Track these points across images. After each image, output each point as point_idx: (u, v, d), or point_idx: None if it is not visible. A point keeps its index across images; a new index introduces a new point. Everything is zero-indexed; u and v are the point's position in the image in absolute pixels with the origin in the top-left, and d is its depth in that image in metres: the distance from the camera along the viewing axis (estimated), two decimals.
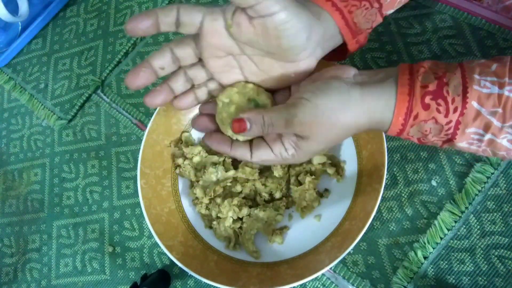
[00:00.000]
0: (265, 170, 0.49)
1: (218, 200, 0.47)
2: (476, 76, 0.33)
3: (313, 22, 0.35)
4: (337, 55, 0.42)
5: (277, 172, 0.47)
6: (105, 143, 0.58)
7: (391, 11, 0.42)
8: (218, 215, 0.47)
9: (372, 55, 0.52)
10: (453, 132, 0.34)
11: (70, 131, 0.61)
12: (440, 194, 0.45)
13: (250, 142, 0.38)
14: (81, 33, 0.66)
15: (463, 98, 0.33)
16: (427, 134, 0.35)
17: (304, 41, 0.35)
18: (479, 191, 0.44)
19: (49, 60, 0.66)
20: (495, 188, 0.44)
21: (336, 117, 0.34)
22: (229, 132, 0.38)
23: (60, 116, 0.62)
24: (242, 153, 0.38)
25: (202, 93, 0.40)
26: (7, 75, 0.67)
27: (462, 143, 0.34)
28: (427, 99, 0.33)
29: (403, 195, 0.46)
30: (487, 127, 0.33)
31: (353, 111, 0.34)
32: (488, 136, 0.33)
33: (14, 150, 0.63)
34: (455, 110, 0.33)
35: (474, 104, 0.33)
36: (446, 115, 0.33)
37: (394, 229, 0.45)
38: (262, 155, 0.37)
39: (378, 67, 0.52)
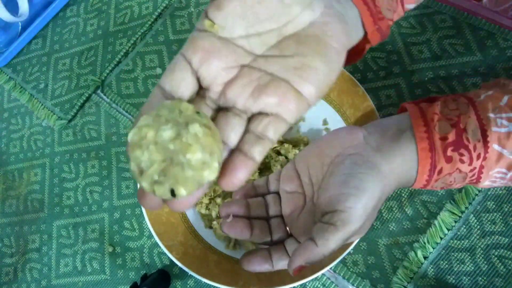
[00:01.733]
0: (265, 170, 0.49)
1: (218, 200, 0.47)
2: (491, 115, 0.32)
3: None
4: (352, 57, 0.35)
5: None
6: (105, 143, 0.58)
7: (412, 5, 0.37)
8: (218, 215, 0.47)
9: (372, 55, 0.52)
10: (477, 176, 0.33)
11: (70, 131, 0.61)
12: (440, 194, 0.45)
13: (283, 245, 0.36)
14: (81, 33, 0.66)
15: (484, 142, 0.32)
16: (452, 184, 0.34)
17: None
18: (479, 191, 0.44)
19: (49, 60, 0.66)
20: (495, 188, 0.44)
21: (379, 201, 0.33)
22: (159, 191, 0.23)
23: (60, 116, 0.62)
24: (284, 265, 0.34)
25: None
26: (7, 75, 0.67)
27: (485, 183, 0.34)
28: (449, 152, 0.32)
29: (403, 195, 0.46)
30: (510, 166, 0.32)
31: (388, 186, 0.33)
32: (511, 174, 0.33)
33: (14, 150, 0.63)
34: (478, 157, 0.32)
35: (495, 147, 0.32)
36: (470, 164, 0.32)
37: (394, 229, 0.45)
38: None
39: (378, 67, 0.52)
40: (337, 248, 0.31)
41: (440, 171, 0.33)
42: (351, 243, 0.40)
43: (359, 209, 0.31)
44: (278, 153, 0.49)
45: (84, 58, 0.64)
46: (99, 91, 0.62)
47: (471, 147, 0.32)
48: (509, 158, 0.32)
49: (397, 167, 0.33)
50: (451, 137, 0.32)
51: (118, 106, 0.60)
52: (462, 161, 0.32)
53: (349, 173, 0.32)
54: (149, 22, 0.63)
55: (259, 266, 0.34)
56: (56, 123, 0.61)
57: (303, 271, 0.32)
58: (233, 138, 0.25)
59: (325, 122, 0.50)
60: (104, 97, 0.61)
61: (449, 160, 0.32)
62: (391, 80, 0.51)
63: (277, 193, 0.38)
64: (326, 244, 0.31)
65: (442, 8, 0.52)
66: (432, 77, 0.50)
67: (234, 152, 0.25)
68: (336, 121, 0.49)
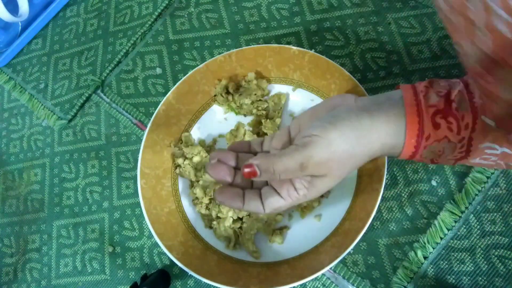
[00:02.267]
0: None
1: None
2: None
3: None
4: None
5: None
6: (105, 143, 0.58)
7: None
8: (218, 215, 0.47)
9: (372, 55, 0.52)
10: (467, 149, 0.33)
11: (70, 131, 0.61)
12: (440, 194, 0.45)
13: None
14: (81, 33, 0.66)
15: (473, 113, 0.32)
16: (441, 154, 0.34)
17: None
18: (479, 191, 0.44)
19: (49, 60, 0.66)
20: (495, 188, 0.44)
21: (352, 148, 0.32)
22: None
23: (60, 116, 0.62)
24: (255, 206, 0.35)
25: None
26: (7, 75, 0.67)
27: (475, 160, 0.34)
28: (437, 118, 0.32)
29: (403, 195, 0.46)
30: (500, 141, 0.32)
31: (366, 139, 0.33)
32: (501, 150, 0.32)
33: (14, 150, 0.63)
34: (466, 126, 0.32)
35: (484, 118, 0.32)
36: (458, 133, 0.32)
37: (394, 229, 0.45)
38: (273, 204, 0.35)
39: (378, 67, 0.52)
40: (292, 169, 0.32)
41: (428, 137, 0.33)
42: (349, 245, 0.40)
43: (322, 138, 0.32)
44: None
45: (84, 58, 0.64)
46: (99, 91, 0.62)
47: (459, 116, 0.32)
48: (499, 131, 0.32)
49: (379, 123, 0.33)
50: (440, 105, 0.33)
51: (118, 106, 0.60)
52: (450, 129, 0.32)
53: (330, 114, 0.34)
54: (149, 22, 0.63)
55: (230, 200, 0.35)
56: (56, 123, 0.61)
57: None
58: None
59: None
60: (104, 97, 0.61)
61: (437, 126, 0.32)
62: (391, 80, 0.51)
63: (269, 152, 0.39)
64: (280, 156, 0.32)
65: None
66: (432, 77, 0.50)
67: None
68: None
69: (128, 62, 0.62)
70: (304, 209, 0.46)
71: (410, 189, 0.46)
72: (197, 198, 0.49)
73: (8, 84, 0.67)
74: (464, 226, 0.43)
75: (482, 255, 0.42)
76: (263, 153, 0.34)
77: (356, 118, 0.33)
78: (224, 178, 0.36)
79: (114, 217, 0.54)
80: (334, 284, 0.45)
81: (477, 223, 0.43)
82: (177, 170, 0.51)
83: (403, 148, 0.34)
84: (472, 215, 0.44)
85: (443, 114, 0.32)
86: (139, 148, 0.50)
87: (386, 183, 0.46)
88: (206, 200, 0.48)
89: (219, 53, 0.56)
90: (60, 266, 0.54)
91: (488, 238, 0.43)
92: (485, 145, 0.33)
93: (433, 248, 0.43)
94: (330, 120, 0.33)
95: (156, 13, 0.63)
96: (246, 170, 0.34)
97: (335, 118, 0.33)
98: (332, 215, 0.45)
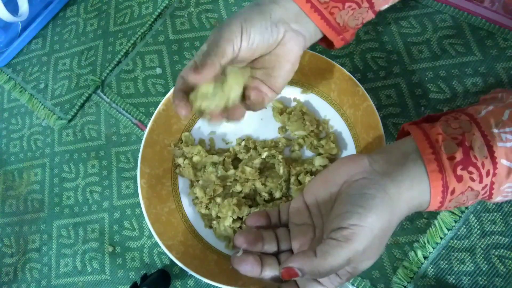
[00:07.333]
0: (265, 170, 0.49)
1: (218, 199, 0.47)
2: (495, 131, 0.33)
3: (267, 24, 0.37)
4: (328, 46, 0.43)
5: (281, 170, 0.47)
6: (105, 143, 0.58)
7: (385, 6, 0.41)
8: (218, 214, 0.47)
9: (372, 55, 0.52)
10: (489, 193, 0.33)
11: (70, 131, 0.61)
12: None
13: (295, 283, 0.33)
14: (81, 33, 0.66)
15: (492, 158, 0.32)
16: (465, 202, 0.34)
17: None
18: None
19: (49, 60, 0.66)
20: None
21: (388, 222, 0.32)
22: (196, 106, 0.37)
23: (60, 116, 0.62)
24: None
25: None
26: (7, 75, 0.67)
27: (497, 199, 0.34)
28: (459, 171, 0.32)
29: None
30: None
31: (397, 208, 0.33)
32: None
33: (14, 150, 0.63)
34: (487, 173, 0.32)
35: (503, 162, 0.32)
36: (480, 181, 0.32)
37: (394, 229, 0.45)
38: None
39: (378, 67, 0.52)
40: (339, 267, 0.30)
41: (453, 192, 0.33)
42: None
43: (363, 227, 0.31)
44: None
45: (84, 58, 0.64)
46: (99, 91, 0.62)
47: (479, 164, 0.32)
48: None
49: (405, 190, 0.33)
50: (459, 156, 0.32)
51: (118, 106, 0.60)
52: (472, 179, 0.32)
53: (355, 193, 0.32)
54: (149, 22, 0.63)
55: None
56: (56, 123, 0.61)
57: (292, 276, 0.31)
58: None
59: (325, 121, 0.50)
60: (104, 97, 0.61)
61: (459, 179, 0.32)
62: (391, 80, 0.51)
63: (288, 226, 0.37)
64: (325, 257, 0.30)
65: (442, 8, 0.52)
66: (432, 77, 0.50)
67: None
68: (336, 121, 0.49)
69: (128, 62, 0.62)
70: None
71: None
72: (197, 197, 0.49)
73: (8, 84, 0.67)
74: (464, 226, 0.43)
75: (482, 255, 0.42)
76: (300, 253, 0.31)
77: (384, 191, 0.32)
78: (253, 271, 0.34)
79: (114, 217, 0.54)
80: None
81: (477, 223, 0.43)
82: (177, 170, 0.51)
83: (429, 205, 0.34)
84: (472, 215, 0.44)
85: (464, 165, 0.32)
86: (139, 148, 0.50)
87: None
88: (206, 200, 0.48)
89: None
90: (60, 266, 0.54)
91: (488, 238, 0.43)
92: (505, 185, 0.33)
93: (433, 248, 0.43)
94: (360, 203, 0.32)
95: (156, 13, 0.63)
96: (287, 273, 0.31)
97: (364, 199, 0.32)
98: None
